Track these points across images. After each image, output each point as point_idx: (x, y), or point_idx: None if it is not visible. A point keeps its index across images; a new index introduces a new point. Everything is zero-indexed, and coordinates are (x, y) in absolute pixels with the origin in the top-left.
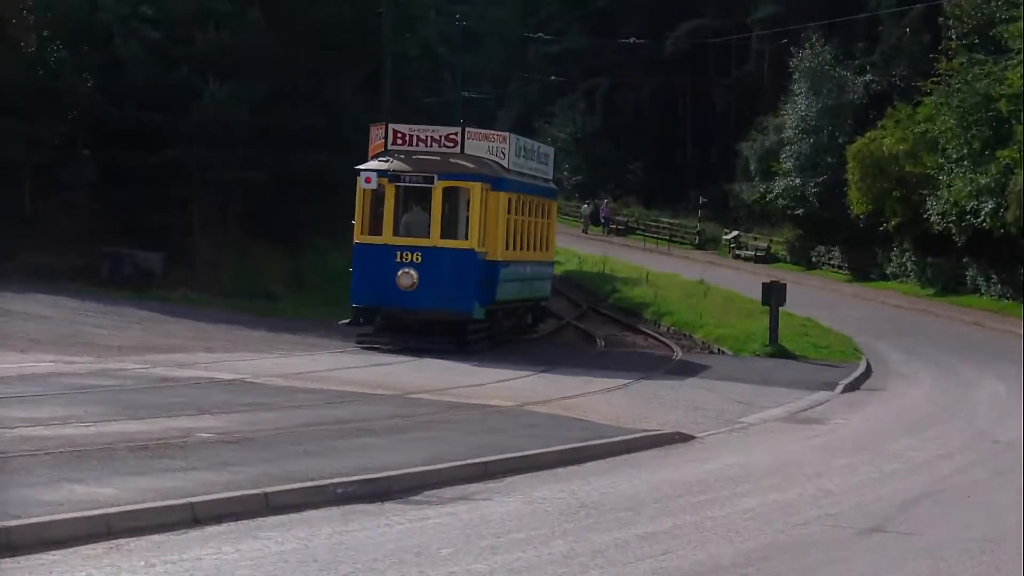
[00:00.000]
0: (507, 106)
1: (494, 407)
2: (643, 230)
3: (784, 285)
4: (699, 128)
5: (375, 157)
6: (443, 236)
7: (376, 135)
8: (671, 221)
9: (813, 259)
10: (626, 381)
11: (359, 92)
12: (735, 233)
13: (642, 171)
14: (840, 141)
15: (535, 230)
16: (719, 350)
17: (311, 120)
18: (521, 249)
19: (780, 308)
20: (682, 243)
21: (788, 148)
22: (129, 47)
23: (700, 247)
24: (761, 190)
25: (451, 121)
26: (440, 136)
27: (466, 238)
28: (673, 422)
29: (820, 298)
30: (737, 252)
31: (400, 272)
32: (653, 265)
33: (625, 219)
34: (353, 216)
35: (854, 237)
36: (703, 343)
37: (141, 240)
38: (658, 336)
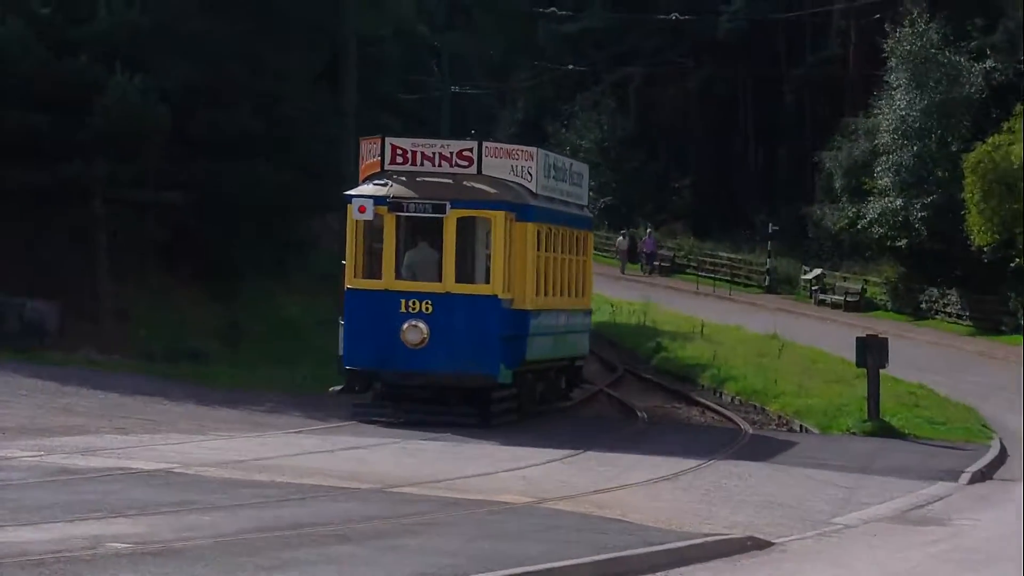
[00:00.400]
0: (511, 104)
1: (506, 504)
2: (695, 268)
3: (885, 340)
4: (765, 133)
5: (368, 179)
6: (458, 279)
7: (369, 151)
8: (732, 256)
9: (922, 305)
10: (678, 469)
11: (314, 86)
12: (817, 272)
13: (691, 190)
14: (953, 149)
15: (569, 270)
16: (801, 427)
17: (251, 123)
18: (554, 295)
19: (881, 371)
20: (747, 285)
21: (885, 159)
22: (8, 26)
23: (771, 290)
24: (850, 214)
25: (434, 123)
26: (451, 153)
27: (487, 281)
28: (743, 523)
29: (933, 357)
30: (821, 297)
31: (406, 325)
32: (709, 314)
33: (671, 253)
34: (333, 253)
35: (976, 276)
36: (779, 418)
37: (29, 285)
38: (719, 408)
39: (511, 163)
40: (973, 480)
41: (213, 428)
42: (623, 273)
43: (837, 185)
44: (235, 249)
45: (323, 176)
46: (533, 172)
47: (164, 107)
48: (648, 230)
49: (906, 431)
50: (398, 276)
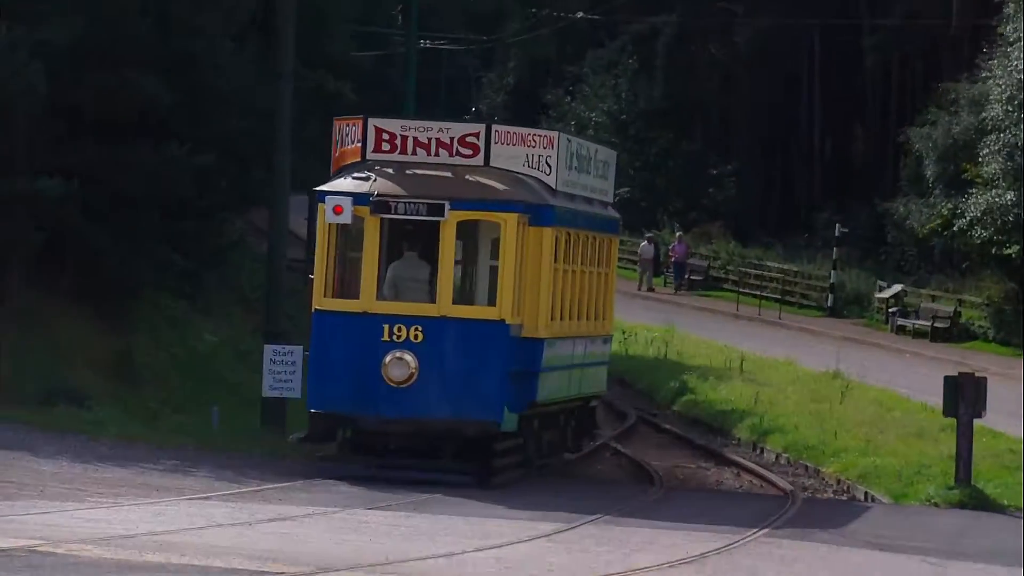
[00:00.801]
0: (499, 65)
1: None
2: (735, 282)
3: (983, 381)
4: (836, 106)
5: (343, 171)
6: (456, 300)
7: (346, 135)
8: (784, 268)
9: None
10: (702, 549)
11: (239, 45)
12: (897, 289)
13: (733, 180)
14: None
15: (590, 286)
16: (867, 495)
17: (156, 93)
18: (571, 318)
19: (976, 421)
20: (803, 305)
21: (994, 138)
22: None
23: (835, 312)
24: (945, 212)
25: (397, 88)
26: (452, 139)
27: (492, 302)
28: None
29: None
30: (900, 322)
31: (389, 358)
32: (752, 344)
33: (705, 263)
34: (259, 262)
35: None
36: (839, 482)
37: None
38: (759, 470)
39: (526, 152)
40: None
41: (94, 493)
42: (646, 289)
43: (928, 173)
44: (131, 257)
45: (250, 161)
46: (552, 163)
47: (38, 66)
48: (678, 233)
49: (1005, 502)
50: (380, 295)
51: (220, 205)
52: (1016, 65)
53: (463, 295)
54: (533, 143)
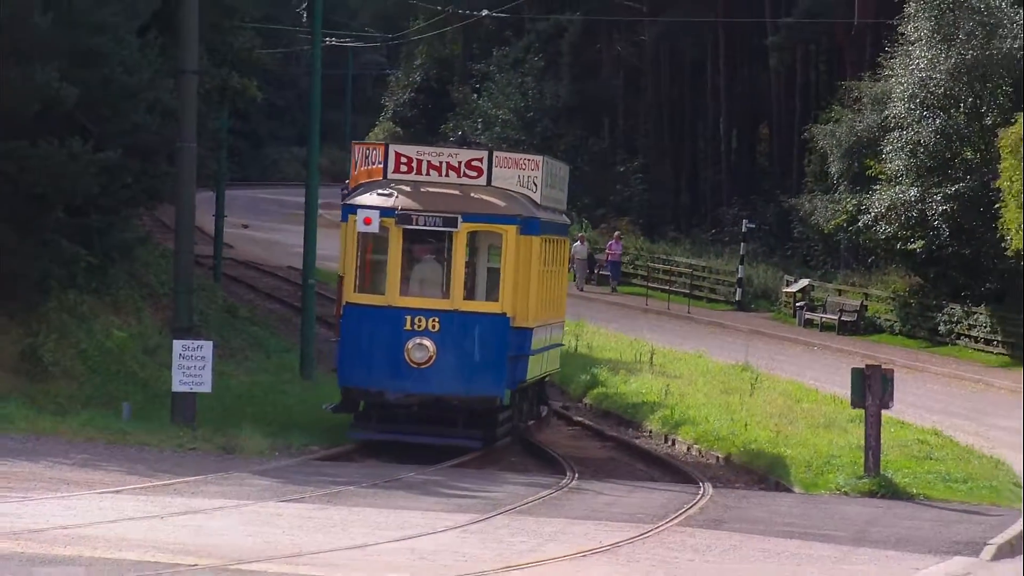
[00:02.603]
0: (405, 62)
1: None
2: (644, 277)
3: (890, 373)
4: (741, 103)
5: (362, 187)
6: (466, 296)
7: (365, 157)
8: (692, 263)
9: (941, 327)
10: (615, 539)
11: (143, 40)
12: (804, 283)
13: (641, 177)
14: (988, 123)
15: (553, 280)
16: (778, 485)
17: (59, 88)
18: (545, 309)
19: (884, 412)
20: (712, 300)
21: (897, 135)
22: None
23: (743, 307)
24: (850, 208)
25: (301, 86)
26: (460, 163)
27: (487, 297)
28: None
29: (953, 395)
30: (808, 316)
31: (411, 343)
32: (662, 338)
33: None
34: (166, 257)
35: (1012, 290)
36: (750, 471)
37: None
38: (671, 460)
39: (518, 173)
40: (999, 555)
41: (3, 487)
42: (581, 289)
43: (833, 170)
44: (36, 254)
45: (156, 157)
46: (537, 182)
47: None
48: (616, 233)
49: (914, 491)
50: (404, 292)
51: (126, 201)
52: (917, 64)
53: (469, 292)
54: (524, 166)
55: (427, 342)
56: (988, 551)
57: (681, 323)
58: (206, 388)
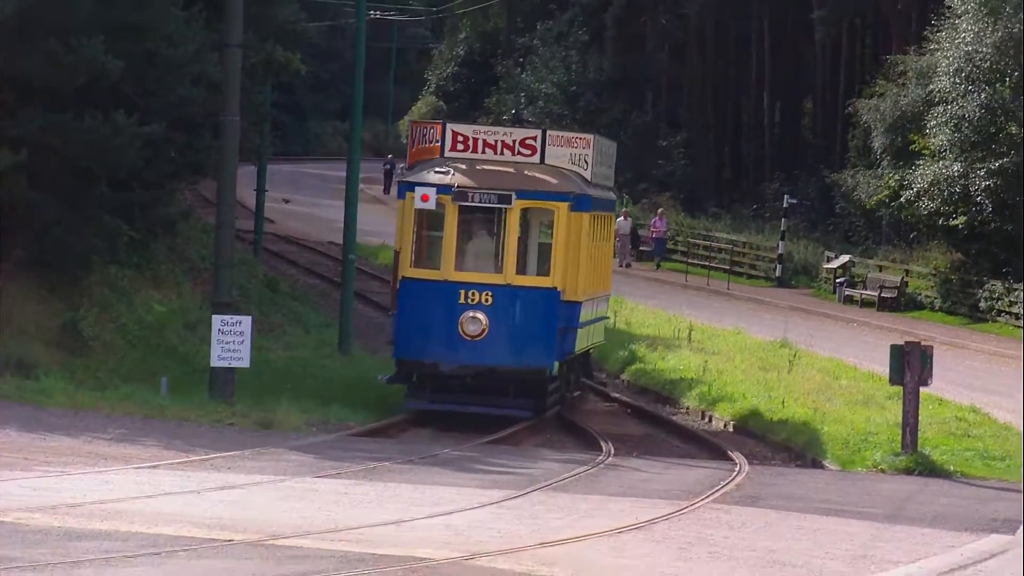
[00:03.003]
0: (449, 36)
1: (425, 561)
2: (684, 253)
3: (929, 349)
4: (785, 78)
5: (419, 164)
6: (518, 271)
7: (423, 135)
8: (733, 239)
9: (981, 304)
10: (651, 515)
11: (188, 14)
12: (844, 259)
13: (683, 152)
14: None
15: (601, 255)
16: (814, 462)
17: (104, 61)
18: (592, 284)
19: (922, 389)
20: (752, 276)
21: (941, 110)
22: None
23: (783, 283)
24: (892, 184)
25: (346, 58)
26: (515, 141)
27: (538, 272)
28: None
29: (992, 372)
30: (848, 292)
31: (465, 316)
32: (701, 314)
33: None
34: (207, 233)
35: None
36: (787, 449)
37: None
38: (707, 437)
39: (570, 151)
40: None
41: (42, 462)
42: (624, 266)
43: (876, 145)
44: (80, 228)
45: (199, 131)
46: (588, 160)
47: None
48: (660, 209)
49: (951, 468)
50: (459, 266)
51: (169, 175)
52: (963, 37)
53: (521, 266)
54: (576, 144)
55: (480, 315)
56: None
57: (720, 299)
58: (244, 363)
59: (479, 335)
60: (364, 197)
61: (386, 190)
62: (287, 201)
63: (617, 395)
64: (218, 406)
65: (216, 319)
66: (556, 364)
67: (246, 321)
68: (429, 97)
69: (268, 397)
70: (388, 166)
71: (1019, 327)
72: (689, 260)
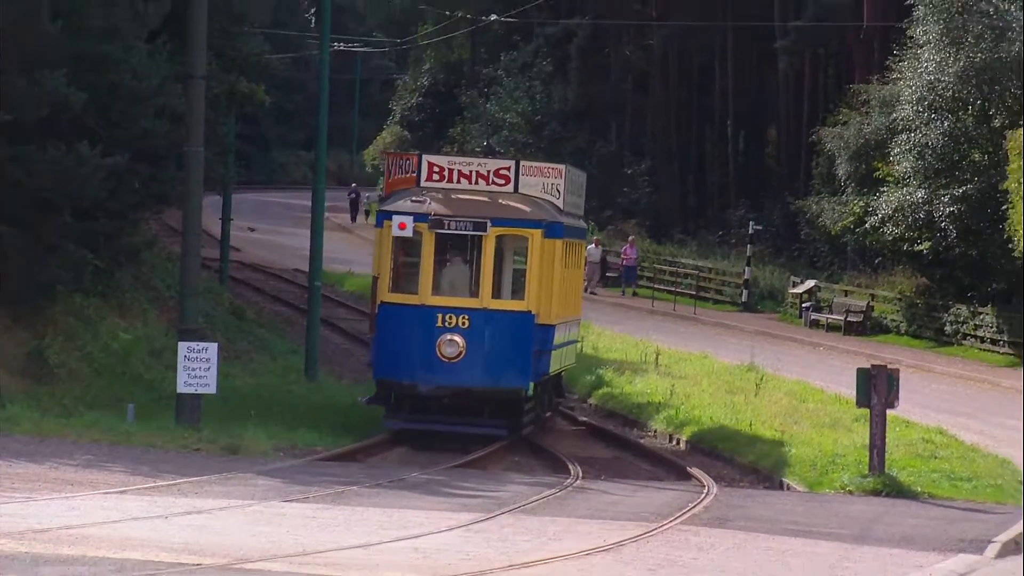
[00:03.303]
0: (413, 66)
1: None
2: (650, 279)
3: (895, 372)
4: (749, 106)
5: (396, 195)
6: (493, 295)
7: (399, 166)
8: (699, 264)
9: (947, 328)
10: (619, 537)
11: (152, 45)
12: (810, 284)
13: (648, 179)
14: (996, 125)
15: (572, 282)
16: (782, 484)
17: (68, 92)
18: (563, 307)
19: (889, 412)
20: (718, 301)
21: (905, 137)
22: None
23: (749, 308)
24: (857, 210)
25: (309, 89)
26: (489, 171)
27: (512, 296)
28: None
29: (958, 395)
30: (814, 316)
31: (442, 339)
32: (668, 339)
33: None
34: (172, 261)
35: (1018, 291)
36: (754, 472)
37: None
38: (675, 460)
39: (543, 181)
40: (1004, 552)
41: (8, 488)
42: (593, 293)
43: (840, 172)
44: (43, 258)
45: (163, 162)
46: (560, 189)
47: None
48: (631, 237)
49: (919, 489)
50: (434, 291)
51: (133, 205)
52: (926, 67)
53: (496, 291)
54: (548, 174)
55: (457, 338)
56: (992, 549)
57: (687, 324)
58: (211, 389)
59: (456, 357)
60: (330, 225)
61: (352, 219)
62: (252, 229)
63: (585, 419)
64: (185, 432)
65: (182, 346)
66: (531, 385)
67: (212, 348)
68: (394, 127)
69: (235, 423)
70: (353, 195)
71: (984, 350)
72: (655, 286)
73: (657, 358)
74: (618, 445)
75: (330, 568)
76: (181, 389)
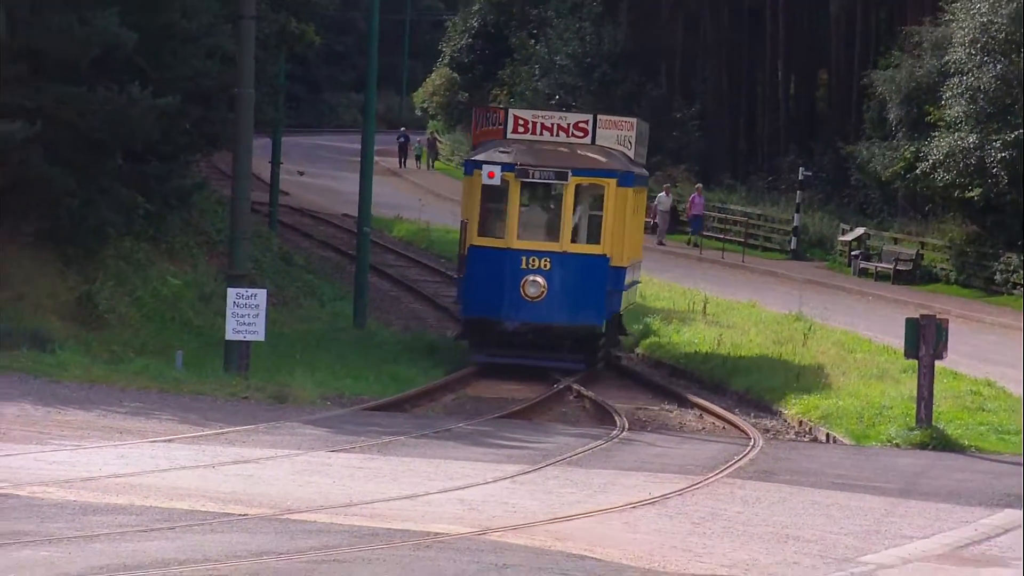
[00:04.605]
0: (463, 6)
1: (438, 536)
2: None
3: (945, 323)
4: (800, 50)
5: (483, 145)
6: (572, 239)
7: (486, 119)
8: (747, 211)
9: (997, 277)
10: (664, 490)
11: None
12: (859, 232)
13: (697, 124)
14: None
15: (637, 226)
16: (828, 437)
17: (118, 32)
18: (631, 250)
19: (937, 363)
20: (767, 249)
21: (957, 81)
22: None
23: (798, 256)
24: (907, 155)
25: (358, 31)
26: (569, 124)
27: (587, 241)
28: (745, 562)
29: (1008, 346)
30: (863, 265)
31: (526, 280)
32: (715, 287)
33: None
34: (222, 205)
35: None
36: (800, 424)
37: None
38: (721, 412)
39: (616, 133)
40: None
41: (57, 436)
42: (662, 243)
43: (891, 116)
44: (95, 201)
45: (214, 103)
46: (631, 141)
47: None
48: (698, 185)
49: (966, 443)
50: (519, 236)
51: (184, 147)
52: (979, 8)
53: (575, 235)
54: (621, 127)
55: (540, 279)
56: None
57: (735, 272)
58: (259, 337)
59: (538, 296)
60: (379, 170)
61: (401, 163)
62: (302, 173)
63: (631, 367)
64: (233, 380)
65: (231, 292)
66: (605, 322)
67: (261, 294)
68: (443, 69)
69: (283, 371)
70: (402, 139)
71: None
72: (704, 233)
73: (705, 307)
74: (665, 396)
75: (376, 519)
76: (230, 336)
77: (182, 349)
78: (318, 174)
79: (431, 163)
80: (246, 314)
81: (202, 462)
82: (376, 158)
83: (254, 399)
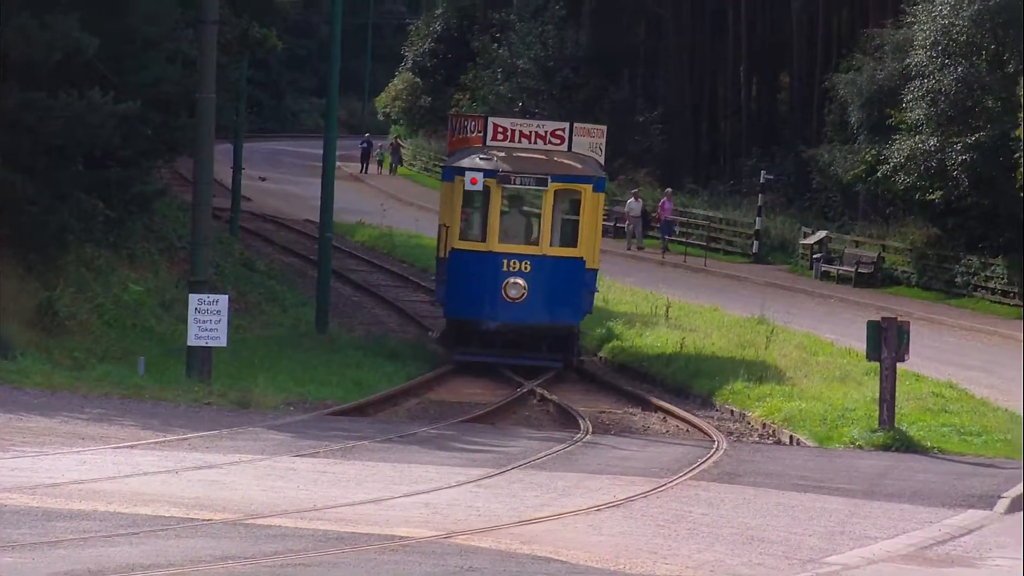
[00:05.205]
0: (426, 11)
1: (403, 540)
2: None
3: (906, 325)
4: (761, 53)
5: (461, 152)
6: (551, 243)
7: (464, 127)
8: (709, 215)
9: (958, 279)
10: (629, 493)
11: None
12: (821, 235)
13: (660, 128)
14: (1010, 71)
15: (600, 230)
16: (792, 439)
17: (80, 37)
18: (599, 253)
19: (899, 365)
20: (728, 252)
21: (918, 84)
22: None
23: (760, 259)
24: (868, 158)
25: (321, 36)
26: (546, 132)
27: (563, 244)
28: (710, 564)
29: (969, 348)
30: (825, 268)
31: (508, 282)
32: (678, 291)
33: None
34: (184, 210)
35: None
36: (764, 426)
37: None
38: (685, 415)
39: (589, 140)
40: (1012, 508)
41: (18, 442)
42: (639, 248)
43: (853, 119)
44: (55, 207)
45: (175, 108)
46: (602, 147)
47: None
48: (667, 189)
49: (928, 444)
50: (500, 240)
51: (145, 153)
52: (940, 10)
53: (553, 239)
54: (593, 134)
55: (521, 281)
56: (1002, 504)
57: (697, 276)
58: (221, 342)
59: (520, 298)
60: (341, 175)
61: (363, 168)
62: (263, 179)
63: (595, 371)
64: (195, 385)
65: (193, 298)
66: (581, 321)
67: (223, 300)
68: (406, 73)
69: (246, 376)
70: (365, 144)
71: (994, 302)
72: (667, 237)
73: (667, 310)
74: (628, 399)
75: (341, 523)
76: (192, 342)
77: (144, 355)
78: (280, 179)
79: (394, 168)
80: (208, 320)
81: (165, 468)
82: (338, 163)
83: (217, 405)
